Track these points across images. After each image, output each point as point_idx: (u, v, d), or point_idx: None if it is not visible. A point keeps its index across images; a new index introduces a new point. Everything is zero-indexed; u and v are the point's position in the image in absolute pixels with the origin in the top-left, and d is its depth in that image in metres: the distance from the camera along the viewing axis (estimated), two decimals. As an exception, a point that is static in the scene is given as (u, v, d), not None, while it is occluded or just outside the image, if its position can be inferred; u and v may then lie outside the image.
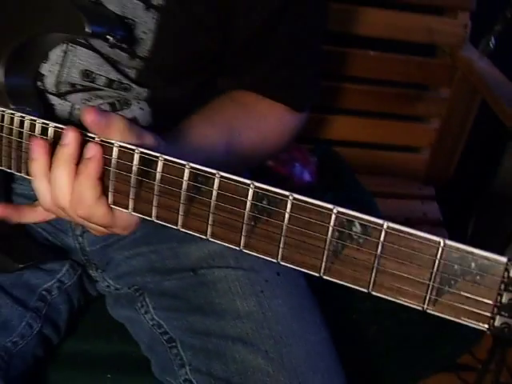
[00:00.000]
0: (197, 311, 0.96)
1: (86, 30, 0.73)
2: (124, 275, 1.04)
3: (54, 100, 0.92)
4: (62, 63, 0.88)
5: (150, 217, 0.68)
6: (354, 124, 1.92)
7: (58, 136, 0.73)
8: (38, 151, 0.72)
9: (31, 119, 0.76)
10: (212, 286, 0.96)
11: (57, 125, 0.73)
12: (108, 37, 0.75)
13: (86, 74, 0.88)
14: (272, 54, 0.95)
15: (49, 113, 0.91)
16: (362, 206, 1.54)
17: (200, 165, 0.63)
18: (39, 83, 0.89)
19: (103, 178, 0.70)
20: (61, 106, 0.92)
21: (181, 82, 0.97)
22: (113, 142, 0.69)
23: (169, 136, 0.80)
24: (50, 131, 0.74)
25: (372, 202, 1.59)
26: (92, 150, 0.69)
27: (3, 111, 0.79)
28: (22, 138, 0.77)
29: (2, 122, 0.79)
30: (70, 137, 0.70)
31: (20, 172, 0.79)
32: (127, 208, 0.69)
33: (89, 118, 0.68)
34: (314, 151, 1.62)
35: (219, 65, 0.98)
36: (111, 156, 0.69)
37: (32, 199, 0.98)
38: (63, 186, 0.70)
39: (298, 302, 0.96)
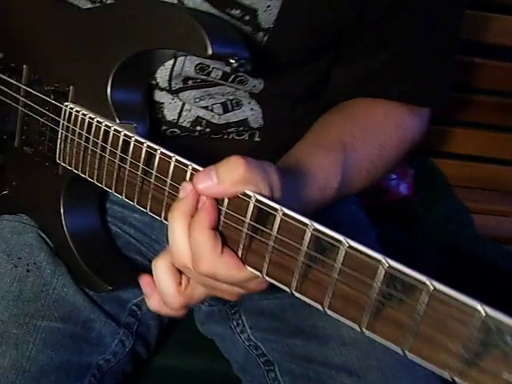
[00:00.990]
0: (298, 334, 0.90)
1: (208, 52, 0.66)
2: None
3: (165, 97, 0.87)
4: (176, 56, 0.82)
5: (261, 272, 0.61)
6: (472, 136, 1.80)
7: (162, 166, 0.68)
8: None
9: (136, 140, 0.71)
10: (315, 308, 0.91)
11: (163, 150, 0.68)
12: (231, 60, 0.68)
13: (202, 68, 0.82)
14: (397, 39, 0.85)
15: (157, 113, 0.87)
16: (458, 222, 1.46)
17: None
18: (150, 78, 0.85)
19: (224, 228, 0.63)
20: (171, 104, 0.87)
21: (296, 73, 0.89)
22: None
23: (284, 167, 0.74)
24: (156, 158, 0.69)
25: (467, 217, 1.51)
26: (201, 200, 0.63)
27: (109, 127, 0.75)
28: (126, 159, 0.73)
29: (106, 138, 0.75)
30: (187, 190, 0.63)
31: (121, 194, 0.74)
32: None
33: (199, 186, 0.62)
34: (412, 162, 1.54)
35: (334, 56, 0.90)
36: (223, 205, 0.63)
37: (125, 206, 0.98)
38: (182, 242, 0.63)
39: None
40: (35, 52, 0.87)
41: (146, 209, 0.71)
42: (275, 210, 0.58)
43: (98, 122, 0.76)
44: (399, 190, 1.43)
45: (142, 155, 0.70)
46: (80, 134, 0.79)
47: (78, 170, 0.80)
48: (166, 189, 0.68)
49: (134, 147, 0.71)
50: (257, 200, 0.60)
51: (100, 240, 0.89)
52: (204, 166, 0.64)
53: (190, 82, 0.86)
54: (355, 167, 0.86)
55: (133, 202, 0.72)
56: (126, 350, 0.92)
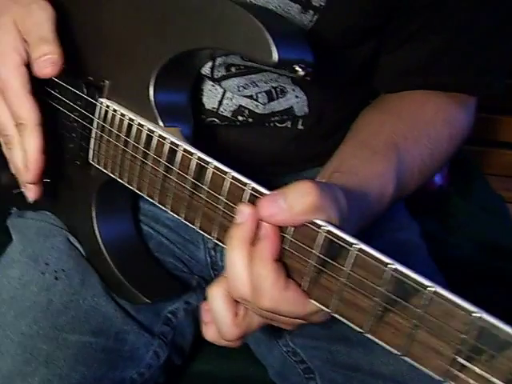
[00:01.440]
0: (340, 341, 0.85)
1: (273, 59, 0.57)
2: None
3: (205, 84, 0.80)
4: None
5: (328, 307, 0.55)
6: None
7: (216, 182, 0.61)
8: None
9: (185, 150, 0.64)
10: None
11: (217, 164, 0.61)
12: (297, 68, 0.59)
13: None
14: (449, 24, 0.78)
15: (196, 101, 0.80)
16: (494, 213, 1.41)
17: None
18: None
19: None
20: (211, 91, 0.81)
21: (343, 58, 0.82)
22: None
23: (344, 183, 0.68)
24: (208, 172, 0.62)
25: (503, 207, 1.45)
26: (264, 228, 0.56)
27: (152, 131, 0.68)
28: (172, 169, 0.66)
29: (149, 143, 0.68)
30: (246, 214, 0.57)
31: (166, 207, 0.68)
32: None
33: (265, 212, 0.56)
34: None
35: (381, 41, 0.83)
36: (286, 232, 0.56)
37: (156, 220, 0.92)
38: (240, 272, 0.57)
39: None
40: (66, 40, 0.79)
41: (194, 225, 0.64)
42: (349, 244, 0.52)
43: (139, 124, 0.69)
44: (434, 181, 1.36)
45: (192, 167, 0.63)
46: (117, 136, 0.72)
47: (114, 175, 0.73)
48: (220, 207, 0.61)
49: (182, 157, 0.64)
50: (328, 231, 0.53)
51: (135, 247, 0.83)
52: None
53: (232, 70, 0.79)
54: (408, 170, 0.79)
55: (180, 217, 0.66)
56: (160, 361, 0.87)
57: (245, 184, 0.59)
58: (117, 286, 0.80)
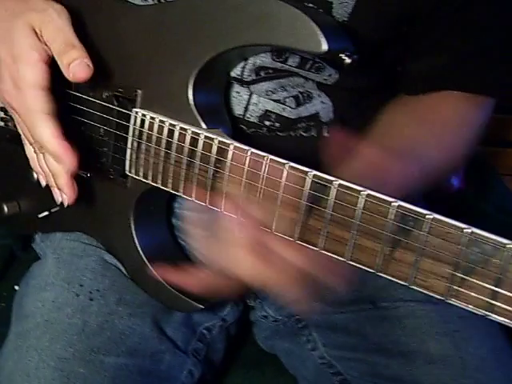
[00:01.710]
0: (379, 351, 0.83)
1: (323, 48, 0.58)
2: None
3: (231, 89, 0.79)
4: None
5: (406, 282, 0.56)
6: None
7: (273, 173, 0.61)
8: None
9: (236, 148, 0.64)
10: (397, 321, 0.84)
11: (273, 157, 0.61)
12: (343, 56, 0.60)
13: (279, 53, 0.75)
14: (472, 29, 0.79)
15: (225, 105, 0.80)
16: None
17: None
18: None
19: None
20: (235, 98, 0.80)
21: (366, 65, 0.82)
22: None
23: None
24: (264, 166, 0.61)
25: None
26: None
27: (197, 134, 0.67)
28: (221, 170, 0.65)
29: (194, 146, 0.68)
30: None
31: (218, 207, 0.66)
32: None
33: None
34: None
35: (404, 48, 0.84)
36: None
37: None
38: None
39: (496, 344, 0.83)
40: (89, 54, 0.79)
41: None
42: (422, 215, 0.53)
43: (181, 128, 0.68)
44: (452, 184, 1.36)
45: (246, 163, 0.63)
46: (158, 143, 0.71)
47: (156, 183, 0.72)
48: (278, 202, 0.60)
49: (233, 155, 0.64)
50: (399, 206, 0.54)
51: (176, 256, 0.81)
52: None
53: (262, 73, 0.78)
54: (427, 170, 0.80)
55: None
56: (194, 380, 0.85)
57: (305, 172, 0.59)
58: (167, 298, 0.78)
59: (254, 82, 0.78)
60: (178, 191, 0.70)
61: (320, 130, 0.86)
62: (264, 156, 0.61)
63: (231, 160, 0.64)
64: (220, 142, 0.65)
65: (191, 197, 0.68)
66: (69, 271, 0.82)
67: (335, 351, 0.88)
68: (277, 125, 0.82)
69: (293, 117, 0.82)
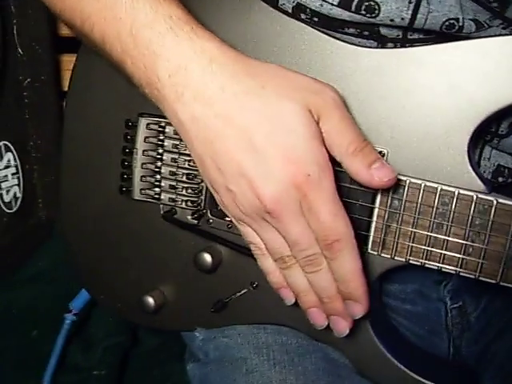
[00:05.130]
0: None
1: None
2: None
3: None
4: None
5: None
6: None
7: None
8: None
9: None
10: None
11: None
12: None
13: (450, 25, 0.65)
14: None
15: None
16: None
17: None
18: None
19: None
20: None
21: None
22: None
23: None
24: None
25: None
26: None
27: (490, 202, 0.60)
28: None
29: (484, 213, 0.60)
30: None
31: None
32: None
33: None
34: None
35: None
36: None
37: (397, 312, 0.81)
38: None
39: None
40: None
41: None
42: None
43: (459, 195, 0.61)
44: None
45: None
46: (426, 214, 0.62)
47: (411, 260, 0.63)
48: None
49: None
50: None
51: (401, 338, 0.73)
52: None
53: None
54: None
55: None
56: None
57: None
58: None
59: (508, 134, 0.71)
60: (449, 266, 0.63)
61: None
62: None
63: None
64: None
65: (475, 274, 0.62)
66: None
67: None
68: (509, 180, 0.74)
69: None
